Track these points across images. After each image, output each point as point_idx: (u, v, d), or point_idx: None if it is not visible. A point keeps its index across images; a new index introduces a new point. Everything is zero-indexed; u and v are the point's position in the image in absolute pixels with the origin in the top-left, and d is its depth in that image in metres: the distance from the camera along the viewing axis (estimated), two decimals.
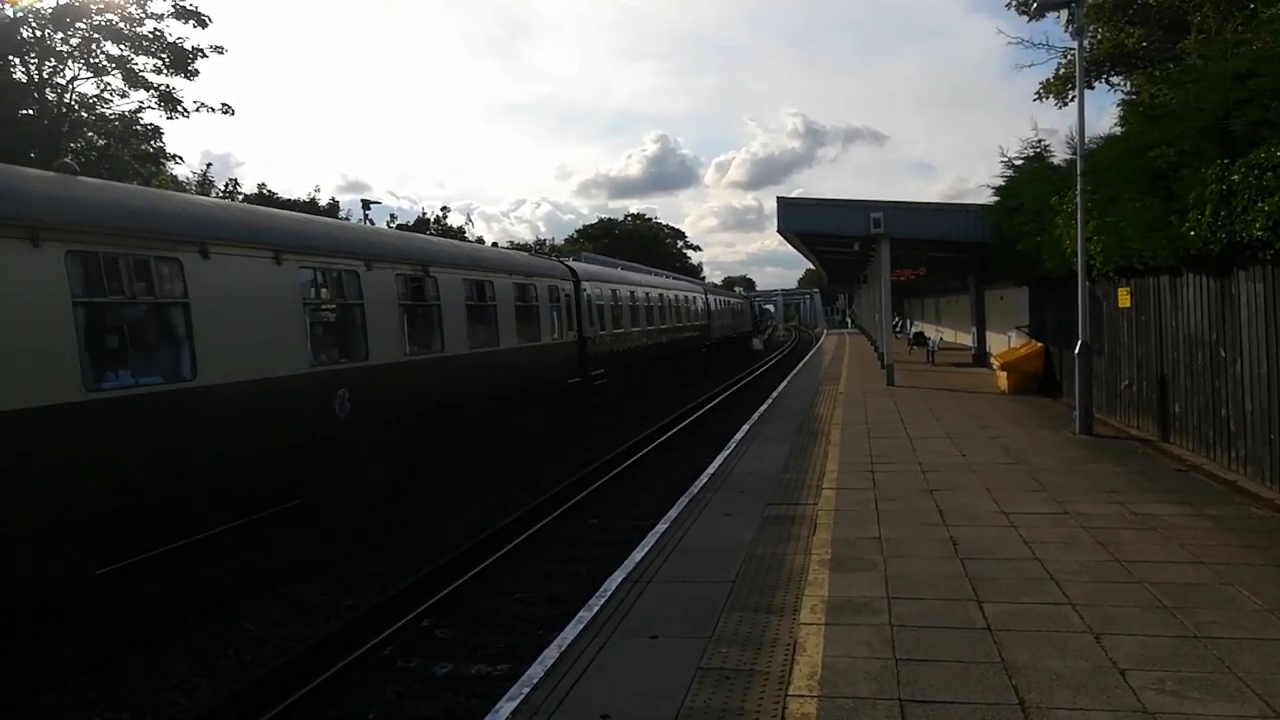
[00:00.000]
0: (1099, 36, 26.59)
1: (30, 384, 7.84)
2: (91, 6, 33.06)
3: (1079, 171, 14.16)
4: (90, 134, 35.82)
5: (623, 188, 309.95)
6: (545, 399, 19.49)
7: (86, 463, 8.35)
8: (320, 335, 12.29)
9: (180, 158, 46.24)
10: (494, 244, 65.20)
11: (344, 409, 12.04)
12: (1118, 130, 15.82)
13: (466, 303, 16.04)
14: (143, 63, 35.09)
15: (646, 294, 31.33)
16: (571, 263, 25.55)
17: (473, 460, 15.84)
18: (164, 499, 9.20)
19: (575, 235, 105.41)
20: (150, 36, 34.58)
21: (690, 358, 38.15)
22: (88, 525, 8.37)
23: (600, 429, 22.08)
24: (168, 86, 35.87)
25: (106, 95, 35.23)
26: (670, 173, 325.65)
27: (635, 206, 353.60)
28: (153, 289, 9.33)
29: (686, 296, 39.29)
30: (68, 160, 9.96)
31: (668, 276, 45.20)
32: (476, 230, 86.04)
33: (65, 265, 8.25)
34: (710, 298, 45.61)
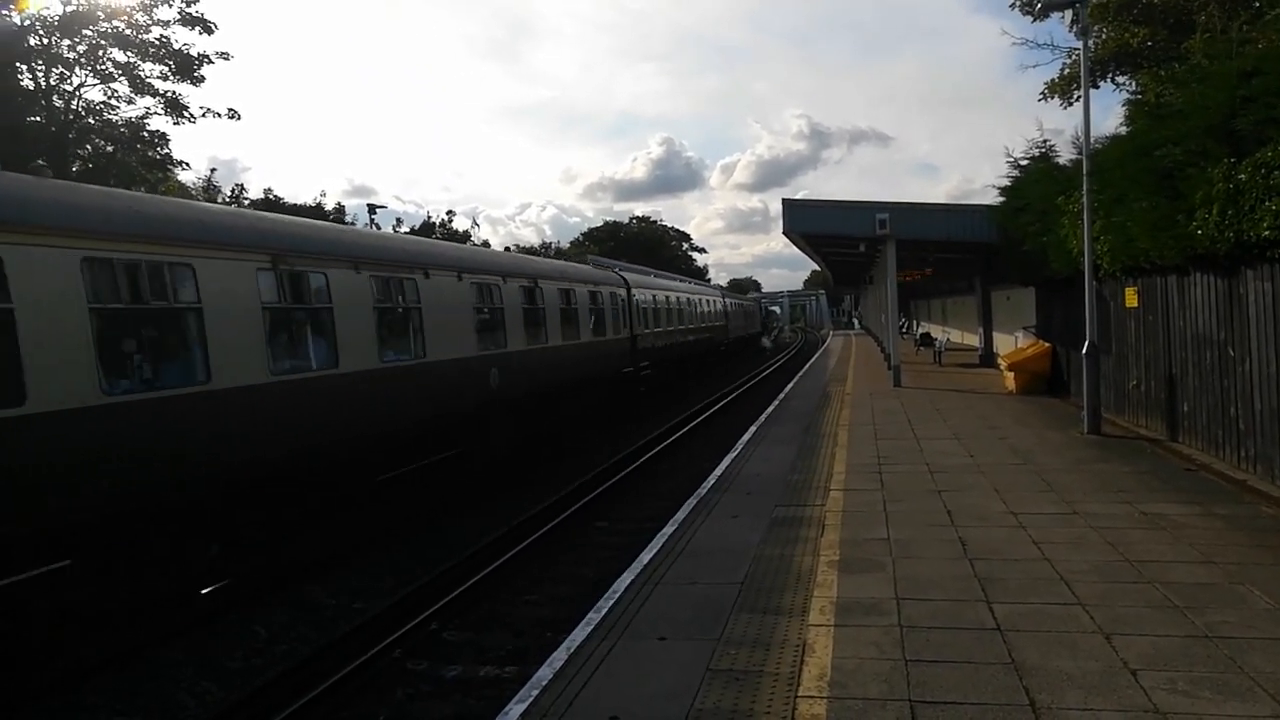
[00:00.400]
0: (1103, 36, 26.54)
1: (364, 358, 12.51)
2: (99, 13, 33.21)
3: (1085, 171, 14.14)
4: (97, 140, 35.92)
5: (628, 190, 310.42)
6: (608, 383, 24.13)
7: (379, 403, 12.83)
8: (481, 330, 16.49)
9: (187, 164, 46.42)
10: (506, 248, 66.79)
11: (496, 383, 16.67)
12: (1123, 130, 15.81)
13: (560, 306, 20.52)
14: (149, 69, 35.24)
15: (679, 298, 35.46)
16: (623, 273, 28.87)
17: (560, 427, 20.13)
18: (410, 434, 13.54)
19: (580, 238, 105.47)
20: (157, 43, 34.70)
21: (713, 354, 42.58)
22: (373, 447, 12.55)
23: (649, 409, 26.26)
24: (174, 93, 36.04)
25: (113, 102, 35.38)
26: (675, 175, 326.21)
27: (641, 209, 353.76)
28: (404, 298, 13.98)
29: (709, 300, 43.83)
30: (41, 163, 10.12)
31: (693, 283, 48.61)
32: (483, 234, 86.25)
33: (371, 285, 12.95)
34: (727, 300, 49.25)
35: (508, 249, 66.26)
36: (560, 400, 19.83)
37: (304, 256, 11.52)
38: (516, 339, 17.73)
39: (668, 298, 33.11)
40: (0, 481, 7.45)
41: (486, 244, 73.66)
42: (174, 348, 9.54)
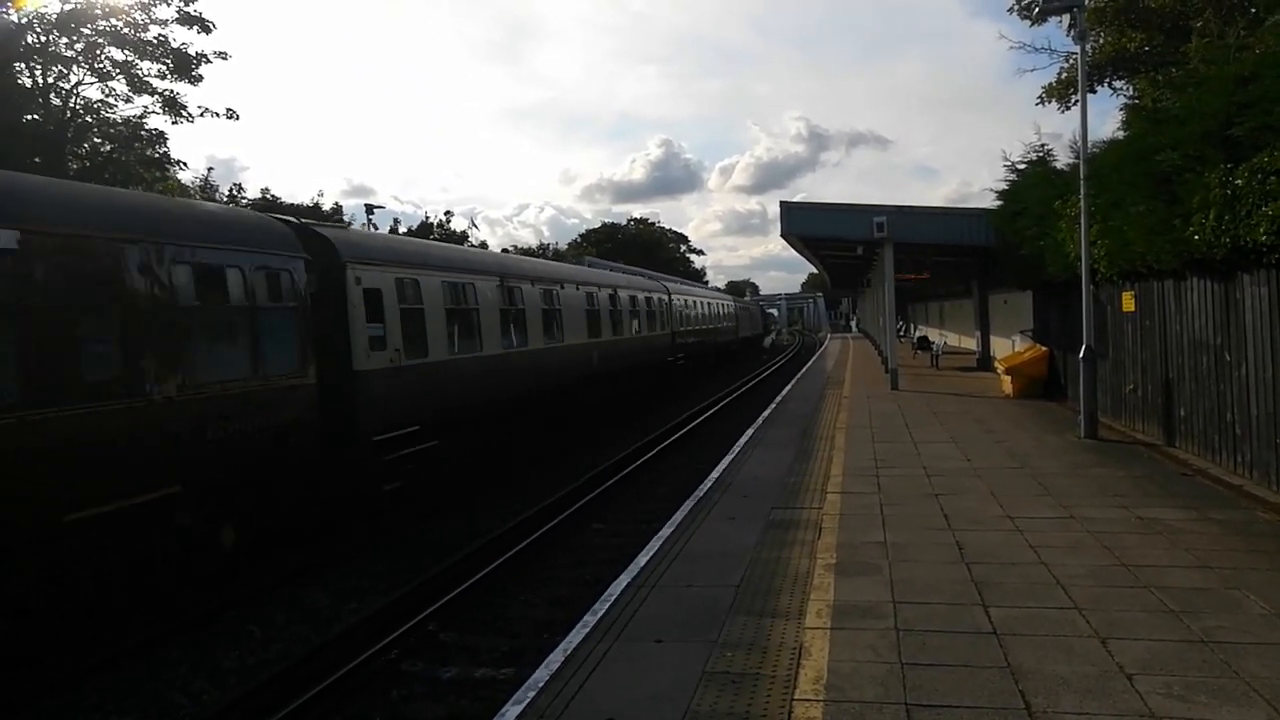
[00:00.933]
0: (1101, 41, 26.60)
1: (539, 340, 19.68)
2: (97, 12, 33.15)
3: (1082, 175, 14.17)
4: (95, 139, 35.86)
5: (627, 192, 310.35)
6: (656, 370, 30.73)
7: (546, 369, 19.86)
8: (589, 324, 23.46)
9: (184, 163, 46.37)
10: (506, 249, 67.78)
11: (596, 362, 23.52)
12: (1121, 135, 15.83)
13: (629, 309, 27.83)
14: (147, 68, 35.16)
15: (705, 303, 43.53)
16: (666, 281, 38.57)
17: (630, 396, 26.67)
18: (557, 388, 20.33)
19: (579, 239, 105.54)
20: (155, 42, 34.64)
21: (727, 349, 48.68)
22: (545, 395, 19.43)
23: (684, 390, 33.52)
24: (172, 92, 35.96)
25: (111, 100, 35.29)
26: (674, 177, 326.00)
27: (639, 211, 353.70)
28: (555, 302, 20.91)
29: (723, 304, 51.32)
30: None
31: (711, 288, 62.11)
32: (481, 235, 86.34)
33: (539, 293, 20.08)
34: (736, 305, 55.02)
35: (505, 250, 66.57)
36: (630, 377, 26.68)
37: (513, 276, 18.84)
38: (606, 332, 25.00)
39: (695, 302, 40.42)
40: (415, 396, 13.95)
41: (484, 244, 73.70)
42: (470, 331, 16.50)
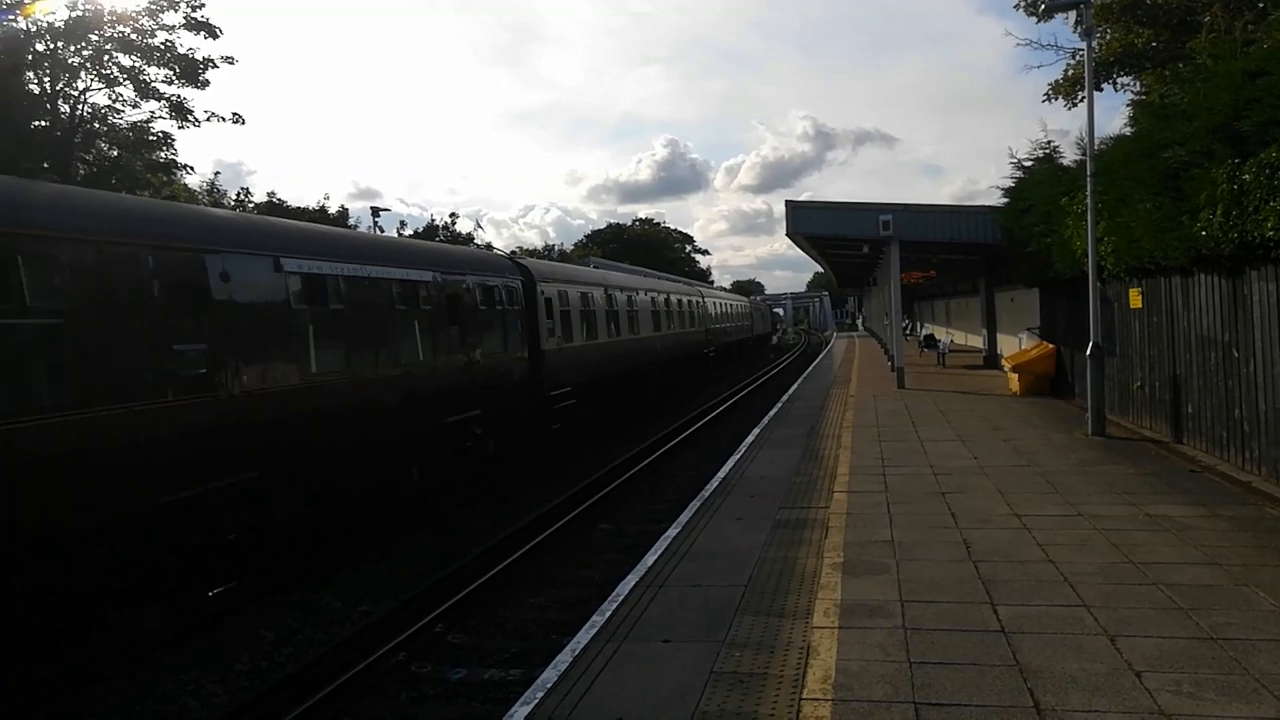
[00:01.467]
0: (1107, 37, 26.53)
1: (627, 333, 26.50)
2: (104, 19, 33.26)
3: (1089, 172, 14.13)
4: (102, 144, 35.98)
5: (632, 192, 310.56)
6: (693, 361, 37.14)
7: (637, 354, 27.46)
8: (654, 322, 29.92)
9: (191, 168, 46.46)
10: (513, 251, 68.27)
11: (659, 351, 30.02)
12: (1128, 131, 15.78)
13: (676, 310, 33.96)
14: (154, 73, 35.27)
15: (729, 304, 52.73)
16: (700, 286, 47.21)
17: (678, 377, 33.30)
18: (641, 370, 27.72)
19: (584, 240, 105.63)
20: (162, 48, 34.75)
21: (744, 344, 56.55)
22: (634, 375, 26.85)
23: (717, 376, 40.84)
24: (179, 97, 36.06)
25: (118, 106, 35.41)
26: (680, 177, 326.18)
27: (645, 211, 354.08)
28: (632, 304, 26.96)
29: (742, 304, 61.30)
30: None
31: (721, 289, 67.19)
32: (487, 236, 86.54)
33: (622, 297, 26.51)
34: (749, 304, 59.52)
35: (513, 251, 66.87)
36: (677, 365, 33.44)
37: (610, 286, 25.10)
38: (664, 328, 31.82)
39: (719, 303, 47.73)
40: (566, 369, 20.19)
41: (490, 246, 73.75)
42: (593, 326, 22.71)
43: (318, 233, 14.56)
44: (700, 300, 40.15)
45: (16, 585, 7.70)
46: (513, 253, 20.77)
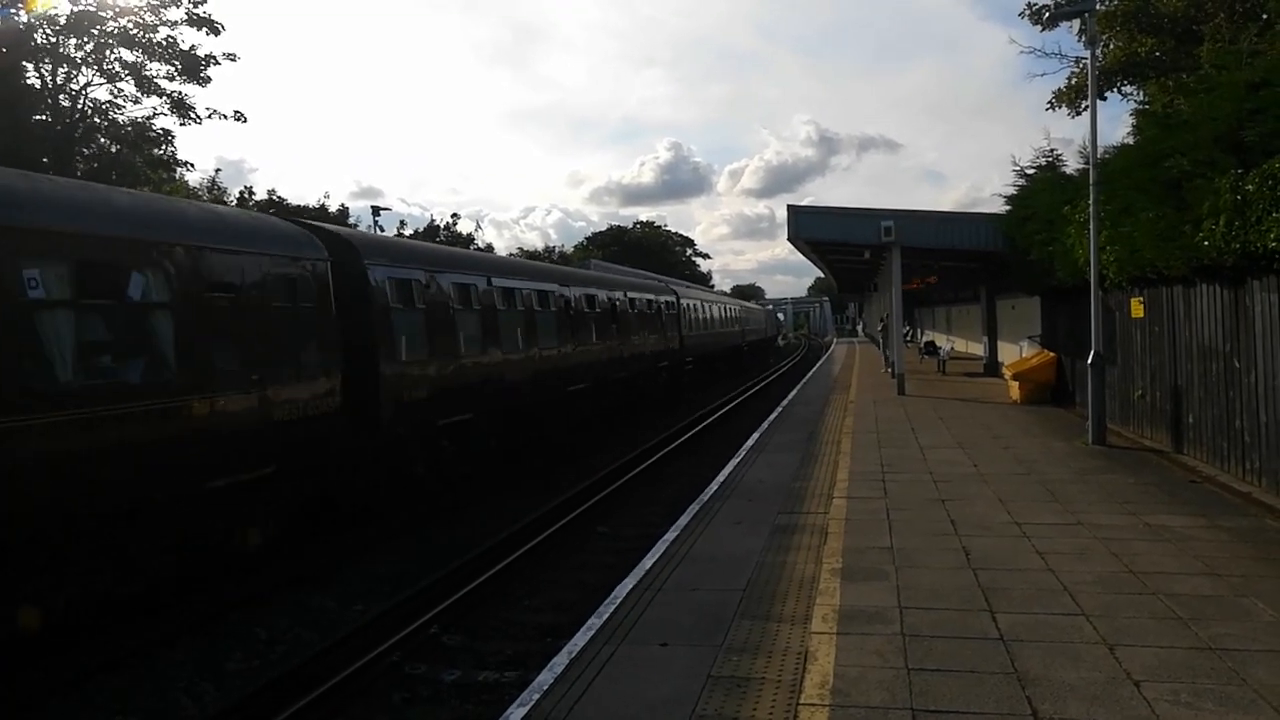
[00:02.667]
0: (1111, 46, 26.54)
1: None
2: (106, 13, 33.28)
3: (1091, 181, 14.12)
4: (103, 140, 35.97)
5: (635, 195, 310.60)
6: (733, 351, 46.33)
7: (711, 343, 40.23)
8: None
9: (192, 165, 46.48)
10: (513, 253, 69.13)
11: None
12: (1131, 140, 15.77)
13: (723, 315, 43.44)
14: (156, 69, 35.29)
15: (749, 310, 62.08)
16: (739, 300, 59.39)
17: (725, 364, 43.53)
18: (714, 355, 41.39)
19: (585, 242, 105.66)
20: (164, 43, 34.76)
21: (762, 344, 65.55)
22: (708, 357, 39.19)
23: (749, 366, 50.56)
24: (180, 93, 36.08)
25: (119, 101, 35.41)
26: (683, 180, 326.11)
27: (647, 214, 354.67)
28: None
29: (763, 312, 75.95)
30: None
31: (718, 292, 77.21)
32: (488, 237, 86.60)
33: (677, 306, 33.26)
34: (742, 308, 60.99)
35: (512, 254, 67.12)
36: (730, 355, 44.25)
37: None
38: (722, 329, 42.26)
39: (744, 308, 57.01)
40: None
41: (490, 247, 73.79)
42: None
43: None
44: (739, 307, 45.19)
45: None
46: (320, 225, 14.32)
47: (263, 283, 10.76)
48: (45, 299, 8.03)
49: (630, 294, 27.54)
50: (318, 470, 11.78)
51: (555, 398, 19.67)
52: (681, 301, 35.34)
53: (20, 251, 7.83)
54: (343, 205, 62.29)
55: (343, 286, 12.39)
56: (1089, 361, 14.35)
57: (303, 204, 57.68)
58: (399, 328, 13.52)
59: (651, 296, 30.50)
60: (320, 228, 13.61)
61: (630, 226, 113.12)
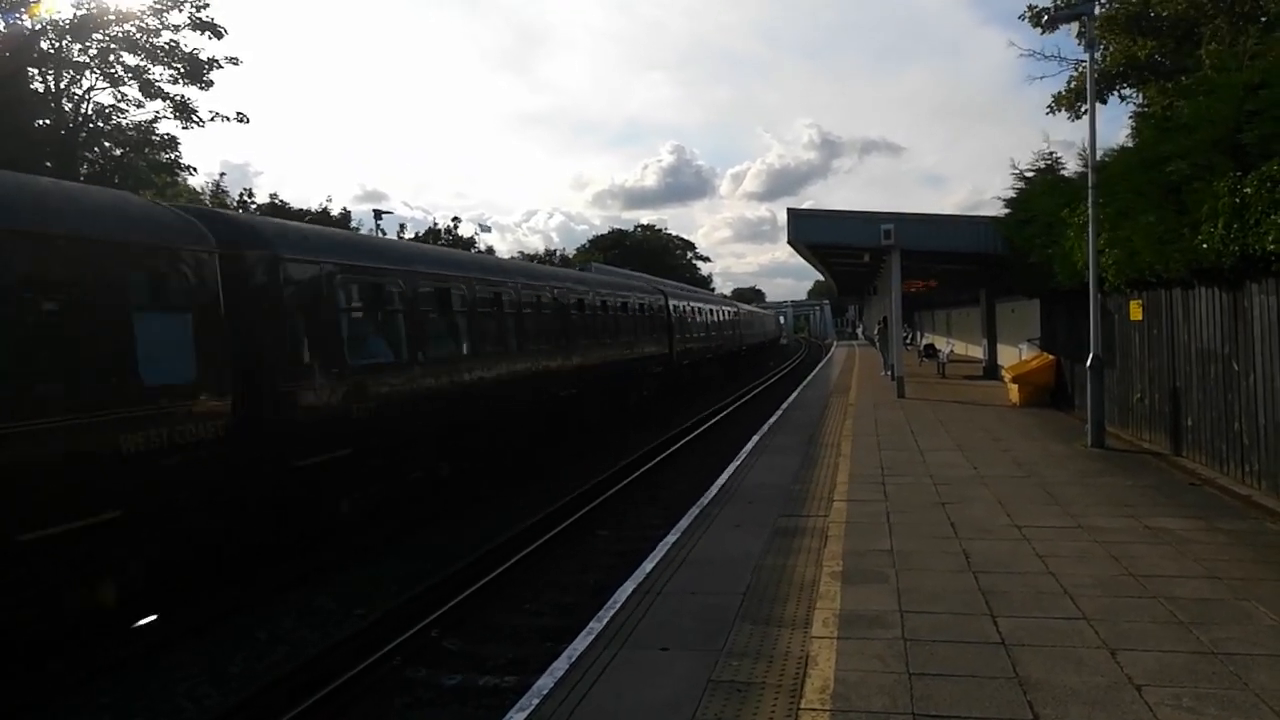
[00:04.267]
0: (1110, 49, 26.54)
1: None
2: (110, 17, 33.33)
3: (1090, 184, 14.13)
4: (106, 144, 36.02)
5: (638, 198, 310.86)
6: (748, 350, 54.19)
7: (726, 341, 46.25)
8: (722, 327, 42.56)
9: (194, 168, 46.51)
10: (514, 256, 69.70)
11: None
12: (1130, 143, 15.78)
13: (740, 318, 53.25)
14: (159, 73, 35.36)
15: (759, 314, 72.42)
16: (736, 302, 62.92)
17: (747, 359, 53.22)
18: (734, 353, 48.89)
19: (586, 245, 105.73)
20: (167, 47, 34.82)
21: (764, 349, 68.96)
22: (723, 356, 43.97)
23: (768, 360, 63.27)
24: (183, 97, 36.15)
25: (123, 105, 35.49)
26: (685, 183, 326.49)
27: (650, 217, 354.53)
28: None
29: (776, 317, 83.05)
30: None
31: (755, 306, 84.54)
32: (491, 240, 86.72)
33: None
34: (739, 310, 61.43)
35: (513, 257, 67.23)
36: (748, 353, 50.95)
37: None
38: (742, 331, 50.96)
39: (741, 311, 57.24)
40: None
41: (491, 250, 73.85)
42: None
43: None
44: (770, 314, 64.15)
45: None
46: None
47: (109, 280, 8.61)
48: None
49: (604, 293, 24.72)
50: (196, 510, 9.51)
51: (515, 411, 17.50)
52: (671, 303, 32.69)
53: None
54: (345, 209, 62.40)
55: (241, 285, 10.44)
56: (1088, 364, 14.35)
57: (305, 207, 57.74)
58: (318, 334, 11.68)
59: (634, 297, 27.82)
60: (214, 213, 12.14)
61: (632, 230, 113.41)
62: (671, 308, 32.59)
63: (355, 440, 11.97)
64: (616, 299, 25.87)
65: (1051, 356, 20.84)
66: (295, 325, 11.30)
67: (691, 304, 37.93)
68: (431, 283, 14.73)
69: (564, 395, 20.34)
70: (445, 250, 23.36)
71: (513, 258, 61.10)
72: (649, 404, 28.07)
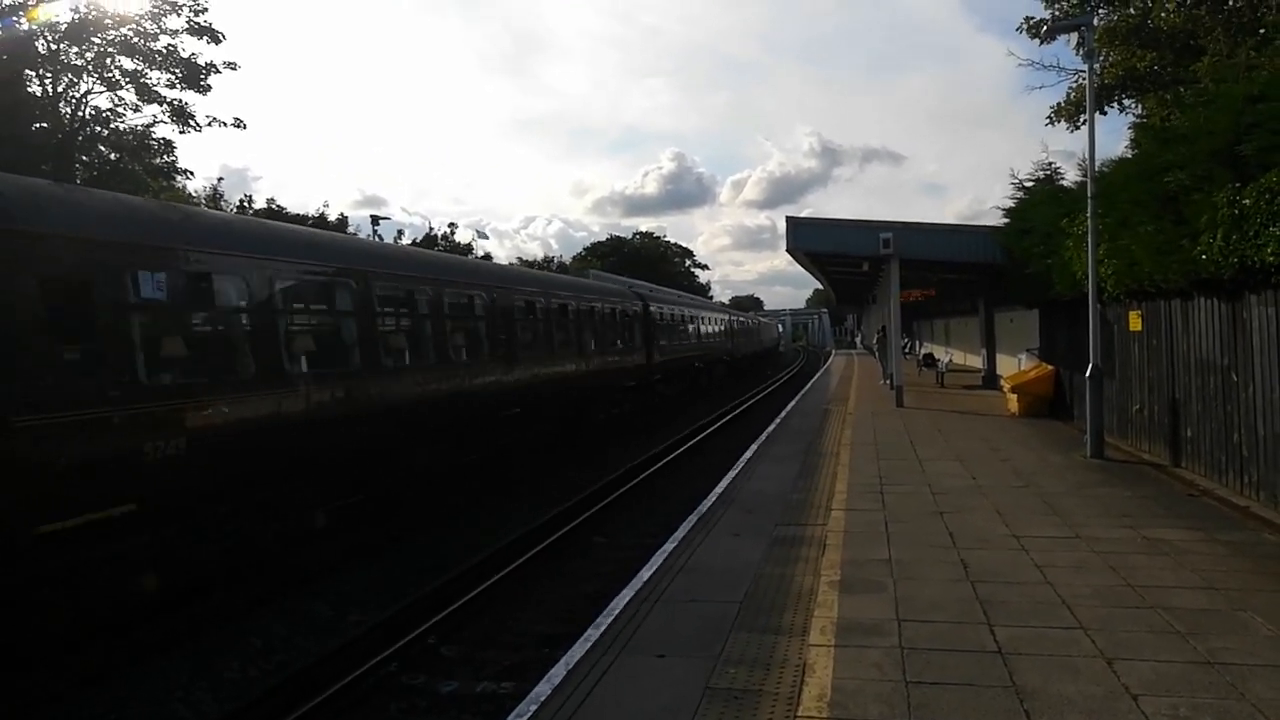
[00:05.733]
0: (1110, 60, 26.61)
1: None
2: (107, 22, 33.36)
3: (1090, 194, 14.15)
4: (103, 148, 36.04)
5: (638, 205, 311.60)
6: (757, 356, 64.21)
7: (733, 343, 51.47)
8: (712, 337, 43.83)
9: (191, 173, 46.56)
10: (513, 262, 69.82)
11: (732, 353, 47.25)
12: (1130, 154, 15.81)
13: (745, 327, 58.81)
14: (156, 77, 35.36)
15: (765, 322, 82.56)
16: (729, 310, 64.28)
17: (752, 365, 58.96)
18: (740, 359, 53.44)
19: (583, 252, 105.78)
20: (164, 52, 34.85)
21: (759, 359, 67.39)
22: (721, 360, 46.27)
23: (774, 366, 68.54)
24: (181, 101, 36.15)
25: (120, 109, 35.48)
26: (686, 191, 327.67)
27: (649, 224, 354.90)
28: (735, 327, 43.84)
29: (774, 325, 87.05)
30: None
31: (753, 314, 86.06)
32: (490, 246, 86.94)
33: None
34: (732, 318, 60.89)
35: (511, 263, 67.32)
36: (756, 358, 59.82)
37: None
38: (737, 340, 51.26)
39: (735, 319, 56.70)
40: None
41: (489, 256, 73.86)
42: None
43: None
44: (770, 322, 75.11)
45: None
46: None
47: (752, 322, 29.11)
48: None
49: (563, 295, 21.66)
50: None
51: (428, 435, 14.22)
52: (651, 309, 29.69)
53: None
54: (342, 215, 62.32)
55: (772, 324, 24.04)
56: (1087, 374, 14.36)
57: (303, 213, 57.76)
58: (773, 334, 27.98)
59: (602, 301, 24.72)
60: (770, 320, 27.49)
61: (630, 237, 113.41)
62: (654, 313, 29.92)
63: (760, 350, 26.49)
64: (582, 303, 22.98)
65: (1050, 367, 20.86)
66: (755, 331, 23.63)
67: (678, 310, 34.80)
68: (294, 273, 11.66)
69: (505, 415, 17.37)
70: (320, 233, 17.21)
71: (511, 264, 61.10)
72: (622, 421, 25.27)
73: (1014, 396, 21.10)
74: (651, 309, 29.94)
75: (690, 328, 37.12)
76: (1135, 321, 14.57)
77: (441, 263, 18.91)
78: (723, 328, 47.23)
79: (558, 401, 20.43)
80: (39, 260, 8.04)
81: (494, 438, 16.92)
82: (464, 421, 15.48)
